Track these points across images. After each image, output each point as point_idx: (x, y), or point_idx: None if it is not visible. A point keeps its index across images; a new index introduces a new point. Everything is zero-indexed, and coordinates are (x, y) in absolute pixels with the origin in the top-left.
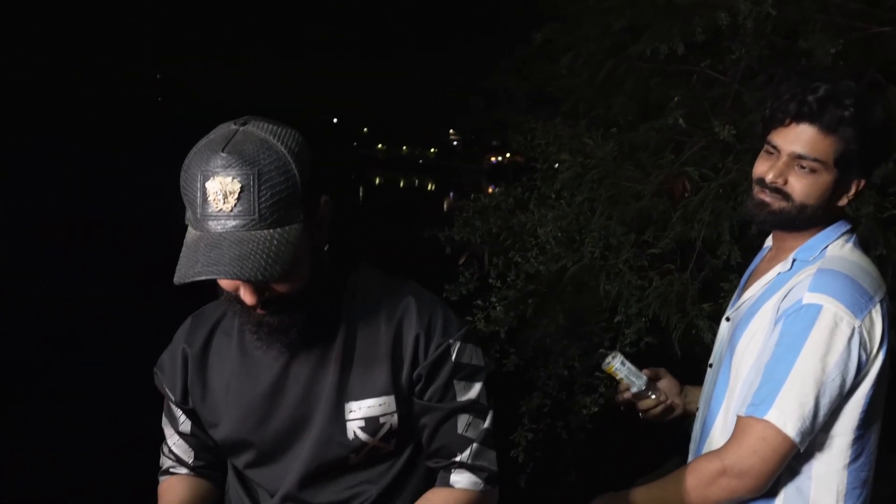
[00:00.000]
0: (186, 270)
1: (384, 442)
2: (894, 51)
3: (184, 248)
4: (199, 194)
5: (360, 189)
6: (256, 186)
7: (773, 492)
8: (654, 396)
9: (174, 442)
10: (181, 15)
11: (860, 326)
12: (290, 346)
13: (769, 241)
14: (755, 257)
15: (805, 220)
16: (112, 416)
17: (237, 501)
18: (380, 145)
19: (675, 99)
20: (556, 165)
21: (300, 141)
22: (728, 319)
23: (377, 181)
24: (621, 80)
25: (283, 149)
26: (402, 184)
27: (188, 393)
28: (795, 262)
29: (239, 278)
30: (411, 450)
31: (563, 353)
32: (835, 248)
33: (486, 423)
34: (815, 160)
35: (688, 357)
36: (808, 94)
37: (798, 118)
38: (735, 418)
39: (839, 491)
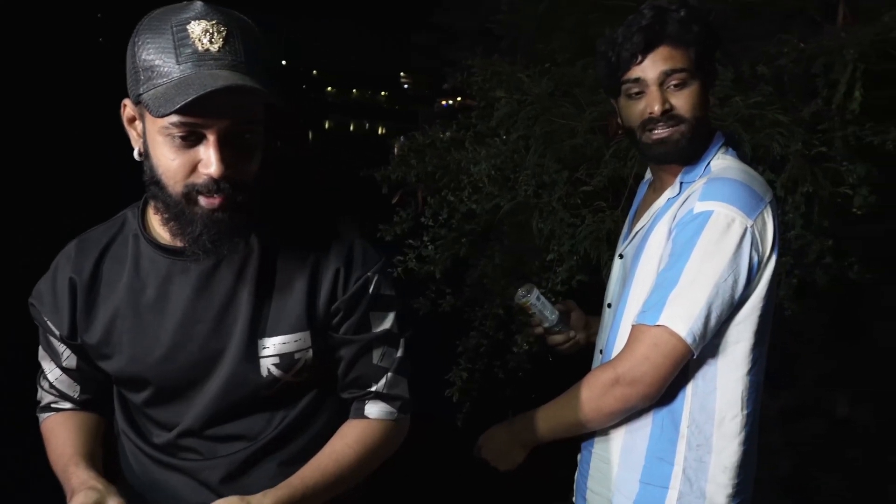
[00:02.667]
0: (186, 92)
1: (297, 377)
2: None
3: (160, 91)
4: (175, 39)
5: (309, 133)
6: (240, 35)
7: (677, 409)
8: (563, 332)
9: (56, 377)
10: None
11: (752, 226)
12: (200, 275)
13: (648, 174)
14: (637, 192)
15: (700, 137)
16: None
17: (123, 434)
18: (329, 88)
19: None
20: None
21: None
22: (622, 256)
23: (326, 125)
24: (561, 15)
25: (252, 22)
26: (352, 127)
27: (76, 326)
28: (682, 185)
29: (253, 92)
30: (323, 383)
31: (501, 292)
32: (717, 162)
33: (400, 352)
34: (682, 70)
35: None
36: (643, 21)
37: (647, 47)
38: None
39: (743, 398)
